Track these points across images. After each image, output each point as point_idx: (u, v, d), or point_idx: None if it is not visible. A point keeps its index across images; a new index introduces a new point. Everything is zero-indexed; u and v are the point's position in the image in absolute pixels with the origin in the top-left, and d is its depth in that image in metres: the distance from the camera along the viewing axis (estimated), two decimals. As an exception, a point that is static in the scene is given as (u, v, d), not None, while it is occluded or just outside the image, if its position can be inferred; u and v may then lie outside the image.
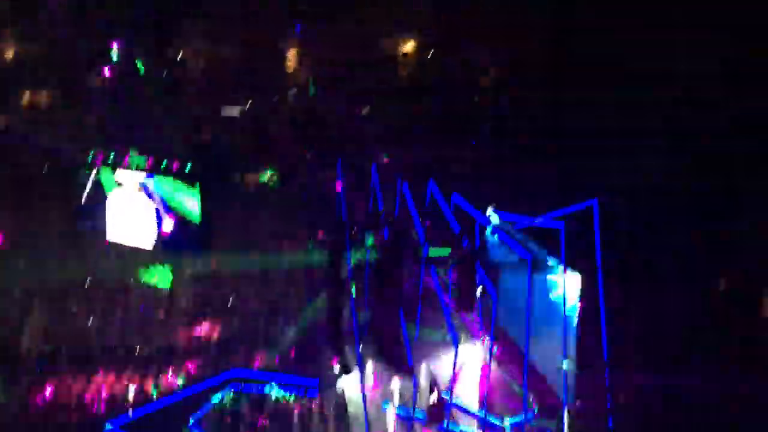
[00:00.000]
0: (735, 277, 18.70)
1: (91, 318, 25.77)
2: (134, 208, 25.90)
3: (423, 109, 35.02)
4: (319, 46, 39.69)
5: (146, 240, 26.01)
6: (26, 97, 38.38)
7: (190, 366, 23.53)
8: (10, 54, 39.77)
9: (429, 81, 37.49)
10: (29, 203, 32.05)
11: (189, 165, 25.53)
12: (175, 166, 25.44)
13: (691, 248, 18.42)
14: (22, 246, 29.81)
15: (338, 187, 21.44)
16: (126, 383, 22.63)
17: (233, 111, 37.29)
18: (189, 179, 24.76)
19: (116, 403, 21.70)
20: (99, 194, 27.00)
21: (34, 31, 37.87)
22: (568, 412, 17.92)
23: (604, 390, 17.70)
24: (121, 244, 27.34)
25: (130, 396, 22.02)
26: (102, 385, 22.46)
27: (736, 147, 18.62)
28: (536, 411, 19.43)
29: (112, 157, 25.75)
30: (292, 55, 40.86)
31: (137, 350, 24.24)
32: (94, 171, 25.36)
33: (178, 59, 39.99)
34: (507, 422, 19.25)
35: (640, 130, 20.60)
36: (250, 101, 38.24)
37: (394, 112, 35.97)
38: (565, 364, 17.71)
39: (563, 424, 17.87)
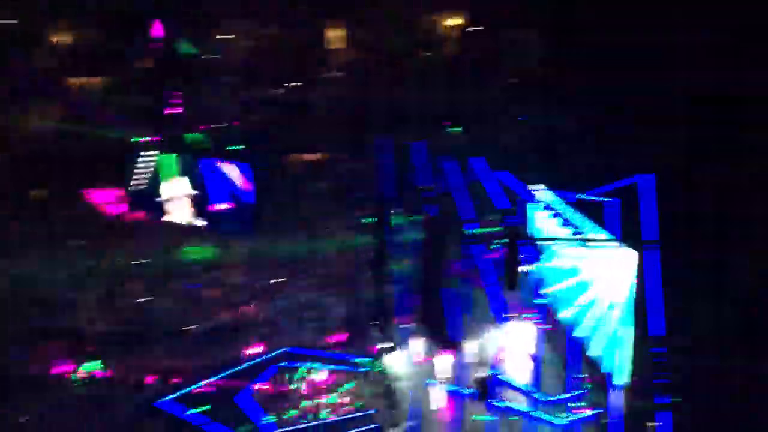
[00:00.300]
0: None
1: (146, 297, 26.42)
2: (188, 189, 26.14)
3: (469, 87, 34.84)
4: (362, 28, 39.76)
5: (199, 219, 26.32)
6: (78, 82, 39.28)
7: (243, 343, 23.97)
8: (65, 39, 40.67)
9: (472, 61, 37.25)
10: (82, 186, 32.92)
11: (241, 147, 25.77)
12: (227, 148, 25.69)
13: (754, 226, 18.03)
14: (75, 231, 30.70)
15: (384, 165, 21.46)
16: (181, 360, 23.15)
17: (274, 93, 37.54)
18: (241, 160, 24.98)
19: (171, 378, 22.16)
20: (155, 177, 27.25)
21: (83, 18, 38.73)
22: (616, 389, 17.81)
23: (653, 368, 17.52)
24: (175, 225, 27.85)
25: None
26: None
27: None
28: (585, 387, 19.35)
29: (163, 140, 25.96)
30: (336, 38, 40.92)
31: (191, 328, 24.76)
32: (148, 154, 25.68)
33: (226, 42, 40.40)
34: (555, 399, 19.23)
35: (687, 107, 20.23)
36: (294, 84, 38.51)
37: (439, 92, 35.86)
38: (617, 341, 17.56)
39: (609, 401, 17.77)
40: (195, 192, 25.37)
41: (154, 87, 37.24)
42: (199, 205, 25.72)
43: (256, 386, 21.49)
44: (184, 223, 26.51)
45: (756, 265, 17.19)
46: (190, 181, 25.53)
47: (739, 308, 16.70)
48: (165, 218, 27.12)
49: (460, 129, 32.03)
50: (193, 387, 21.61)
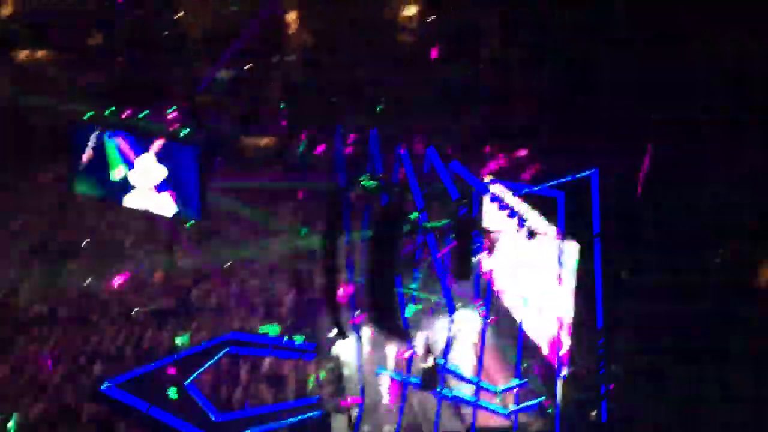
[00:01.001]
0: (734, 248, 18.70)
1: (89, 278, 25.94)
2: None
3: (425, 76, 34.95)
4: (321, 10, 39.53)
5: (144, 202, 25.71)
6: (27, 55, 38.26)
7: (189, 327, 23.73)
8: (8, 11, 39.51)
9: (431, 47, 37.38)
10: (30, 163, 32.23)
11: (187, 130, 25.24)
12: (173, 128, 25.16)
13: (688, 221, 18.42)
14: (22, 206, 30.01)
15: (337, 152, 21.30)
16: (124, 343, 22.79)
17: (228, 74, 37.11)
18: (187, 143, 24.44)
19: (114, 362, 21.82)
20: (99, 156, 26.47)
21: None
22: (561, 378, 18.08)
23: (597, 358, 17.83)
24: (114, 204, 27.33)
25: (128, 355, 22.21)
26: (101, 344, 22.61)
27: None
28: (529, 378, 19.63)
29: (111, 117, 25.25)
30: (292, 19, 40.56)
31: (135, 311, 24.38)
32: (95, 132, 24.94)
33: (179, 19, 39.71)
34: (500, 388, 19.47)
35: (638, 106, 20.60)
36: (249, 65, 38.11)
37: (396, 79, 35.89)
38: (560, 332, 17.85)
39: (556, 390, 18.04)
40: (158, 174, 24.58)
41: (109, 61, 36.53)
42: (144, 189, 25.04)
43: (201, 371, 21.22)
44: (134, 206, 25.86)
45: (702, 262, 17.59)
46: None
47: (681, 304, 17.06)
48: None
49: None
50: (139, 372, 21.24)
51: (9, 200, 30.35)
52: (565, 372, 18.06)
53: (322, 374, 21.17)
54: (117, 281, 23.56)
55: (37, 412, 19.18)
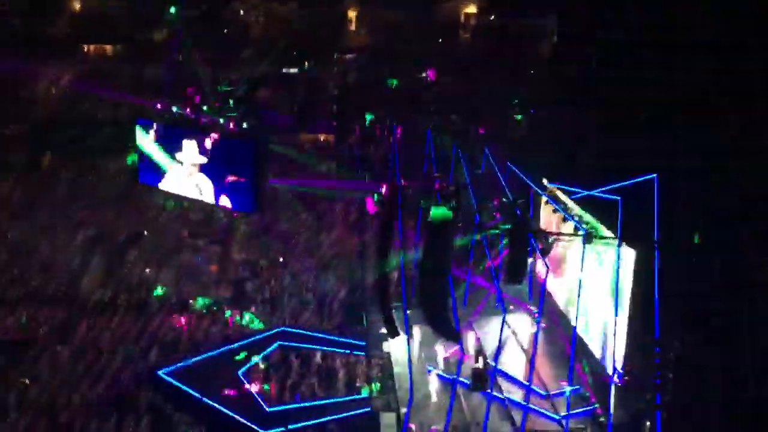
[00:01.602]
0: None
1: (148, 268, 26.62)
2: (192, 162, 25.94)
3: (482, 75, 34.73)
4: (379, 11, 39.67)
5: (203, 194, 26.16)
6: (93, 49, 39.45)
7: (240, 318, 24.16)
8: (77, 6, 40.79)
9: (489, 49, 37.13)
10: (94, 155, 33.19)
11: (245, 124, 25.64)
12: (232, 125, 25.55)
13: (748, 233, 17.92)
14: (85, 197, 30.93)
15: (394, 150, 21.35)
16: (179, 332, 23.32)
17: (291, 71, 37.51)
18: (245, 138, 24.83)
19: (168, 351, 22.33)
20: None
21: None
22: (615, 386, 17.75)
23: (653, 367, 17.45)
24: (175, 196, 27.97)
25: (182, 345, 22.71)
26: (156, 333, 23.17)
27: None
28: (581, 384, 19.33)
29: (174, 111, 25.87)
30: (351, 19, 40.81)
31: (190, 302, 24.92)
32: (158, 125, 25.58)
33: (236, 19, 40.39)
34: (551, 393, 19.22)
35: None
36: (307, 63, 38.51)
37: (454, 78, 35.81)
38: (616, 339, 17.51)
39: (609, 398, 17.72)
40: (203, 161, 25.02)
41: (166, 58, 37.33)
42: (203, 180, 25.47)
43: (253, 362, 21.54)
44: (190, 195, 26.37)
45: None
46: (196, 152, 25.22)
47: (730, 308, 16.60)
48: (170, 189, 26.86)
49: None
50: (192, 360, 21.68)
51: (73, 191, 31.29)
52: (618, 379, 17.73)
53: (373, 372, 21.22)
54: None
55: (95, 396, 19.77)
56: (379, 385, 20.61)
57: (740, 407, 16.46)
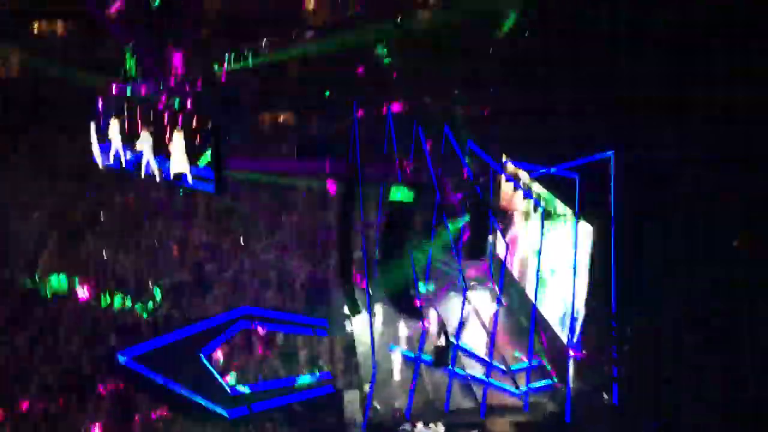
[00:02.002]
0: (751, 235, 18.50)
1: (105, 251, 26.17)
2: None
3: (441, 55, 34.64)
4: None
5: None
6: (45, 26, 38.32)
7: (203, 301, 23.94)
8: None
9: (447, 28, 37.02)
10: (48, 135, 32.35)
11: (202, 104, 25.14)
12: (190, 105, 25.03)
13: (705, 204, 18.23)
14: (40, 179, 30.20)
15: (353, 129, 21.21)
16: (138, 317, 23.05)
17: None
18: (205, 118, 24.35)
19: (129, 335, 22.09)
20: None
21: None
22: (573, 360, 18.12)
23: (610, 340, 17.83)
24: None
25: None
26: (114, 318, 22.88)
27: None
28: (541, 358, 19.68)
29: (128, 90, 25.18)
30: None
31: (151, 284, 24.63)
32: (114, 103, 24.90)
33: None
34: (511, 368, 19.54)
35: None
36: (266, 41, 37.96)
37: (413, 58, 35.63)
38: (574, 312, 17.84)
39: (567, 371, 18.08)
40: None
41: (124, 36, 36.46)
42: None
43: (215, 345, 21.44)
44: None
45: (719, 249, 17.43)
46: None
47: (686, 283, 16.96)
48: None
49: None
50: (154, 344, 21.50)
51: (27, 172, 30.55)
52: (577, 353, 18.10)
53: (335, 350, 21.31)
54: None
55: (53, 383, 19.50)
56: (341, 364, 20.72)
57: (695, 377, 16.87)
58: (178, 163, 22.90)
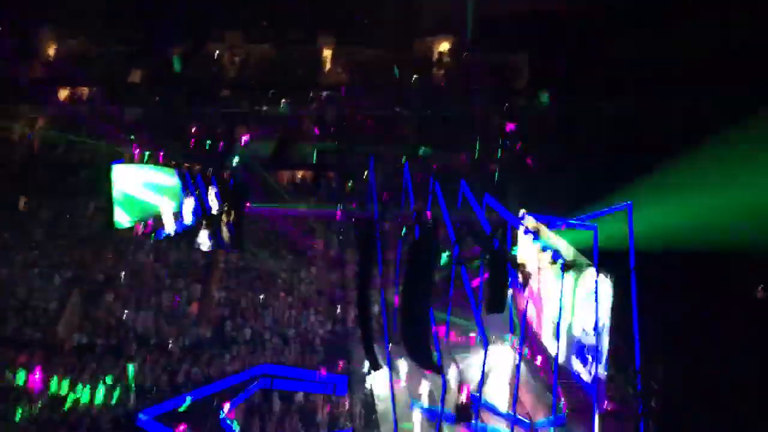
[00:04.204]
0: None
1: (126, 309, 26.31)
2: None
3: (455, 109, 35.28)
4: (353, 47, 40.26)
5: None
6: (68, 92, 39.42)
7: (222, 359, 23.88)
8: (51, 50, 40.88)
9: (461, 82, 37.77)
10: (70, 197, 32.98)
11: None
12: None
13: (725, 257, 18.14)
14: (62, 239, 30.64)
15: (370, 184, 21.43)
16: (159, 375, 22.98)
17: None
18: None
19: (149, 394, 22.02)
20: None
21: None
22: (599, 416, 17.76)
23: (635, 395, 17.50)
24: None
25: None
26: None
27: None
28: (566, 414, 19.31)
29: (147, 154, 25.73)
30: (326, 57, 41.34)
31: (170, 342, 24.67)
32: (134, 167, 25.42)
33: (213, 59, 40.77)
34: (536, 423, 19.18)
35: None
36: (283, 100, 38.85)
37: (427, 113, 36.31)
38: (599, 367, 17.57)
39: (593, 427, 17.70)
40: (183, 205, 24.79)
41: (144, 99, 37.45)
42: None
43: (235, 403, 21.31)
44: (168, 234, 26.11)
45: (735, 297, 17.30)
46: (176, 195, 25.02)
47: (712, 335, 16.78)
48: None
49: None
50: (173, 402, 21.41)
51: (50, 233, 31.04)
52: (602, 408, 17.75)
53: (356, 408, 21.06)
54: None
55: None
56: (362, 421, 20.45)
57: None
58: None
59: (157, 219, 24.71)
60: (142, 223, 25.25)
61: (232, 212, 22.87)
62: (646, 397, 17.35)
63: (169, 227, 24.65)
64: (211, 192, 22.91)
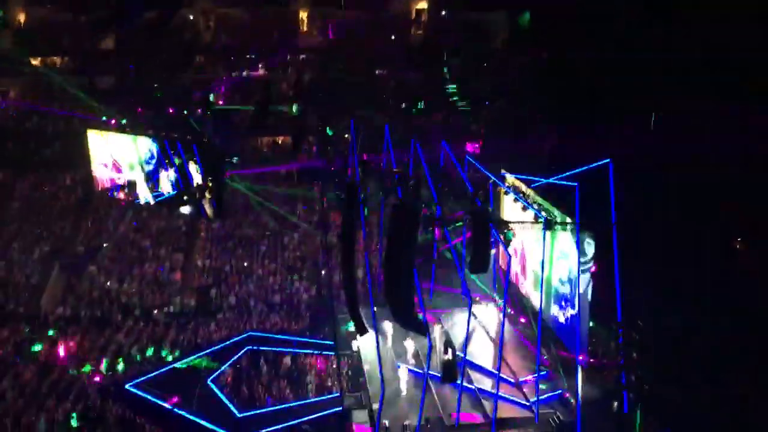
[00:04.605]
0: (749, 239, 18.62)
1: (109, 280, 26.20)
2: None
3: (437, 70, 35.01)
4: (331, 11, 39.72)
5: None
6: (39, 62, 38.60)
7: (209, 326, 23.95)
8: (21, 19, 39.89)
9: (441, 42, 37.44)
10: (47, 168, 32.53)
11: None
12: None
13: (707, 209, 18.32)
14: (41, 211, 30.29)
15: (352, 147, 21.29)
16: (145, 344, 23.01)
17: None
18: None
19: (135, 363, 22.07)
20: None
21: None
22: (582, 368, 18.05)
23: (617, 347, 17.78)
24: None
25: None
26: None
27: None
28: (550, 368, 19.63)
29: (124, 121, 25.30)
30: (303, 18, 40.74)
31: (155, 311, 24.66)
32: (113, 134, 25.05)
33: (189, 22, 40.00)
34: (520, 379, 19.48)
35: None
36: (261, 64, 38.35)
37: (409, 73, 36.01)
38: (580, 320, 17.83)
39: (576, 380, 18.01)
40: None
41: (120, 65, 36.74)
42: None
43: (221, 369, 21.41)
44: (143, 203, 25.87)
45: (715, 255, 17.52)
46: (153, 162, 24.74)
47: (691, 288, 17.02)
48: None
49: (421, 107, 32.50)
50: (160, 371, 21.47)
51: (28, 206, 30.65)
52: (584, 362, 18.05)
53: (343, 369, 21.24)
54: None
55: (62, 413, 19.43)
56: (349, 383, 20.64)
57: (706, 382, 16.87)
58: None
59: (132, 186, 24.48)
60: (119, 191, 24.98)
61: (212, 181, 22.66)
62: (627, 350, 17.59)
63: (144, 195, 24.48)
64: (192, 164, 22.67)
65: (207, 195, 22.66)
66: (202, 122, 27.57)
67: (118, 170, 24.98)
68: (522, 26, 34.29)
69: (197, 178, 22.74)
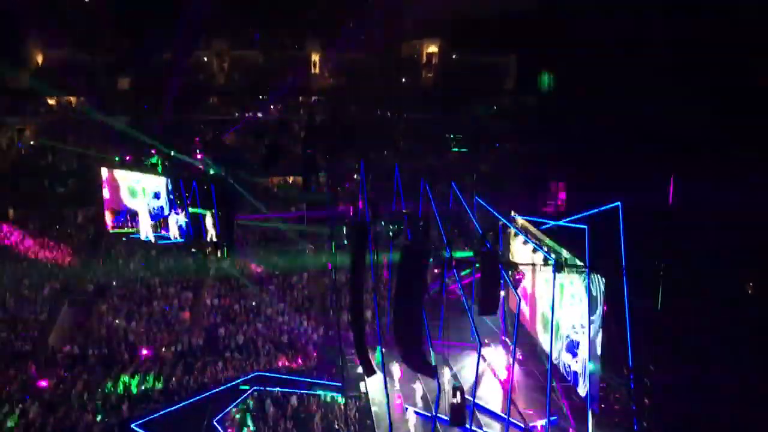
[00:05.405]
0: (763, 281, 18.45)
1: (117, 320, 26.14)
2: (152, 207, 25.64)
3: (446, 111, 35.32)
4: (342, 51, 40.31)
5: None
6: (56, 101, 39.28)
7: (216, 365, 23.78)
8: (38, 59, 40.73)
9: (452, 84, 37.87)
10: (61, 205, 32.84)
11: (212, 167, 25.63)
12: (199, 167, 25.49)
13: (719, 253, 18.18)
14: (53, 247, 30.44)
15: (361, 187, 21.39)
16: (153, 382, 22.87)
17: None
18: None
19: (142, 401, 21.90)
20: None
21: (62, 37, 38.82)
22: (593, 414, 17.77)
23: (629, 393, 17.52)
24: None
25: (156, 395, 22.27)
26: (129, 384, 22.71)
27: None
28: (559, 414, 19.32)
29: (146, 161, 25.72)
30: (315, 60, 41.39)
31: (162, 349, 24.51)
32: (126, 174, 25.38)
33: (203, 64, 40.75)
34: (530, 424, 19.17)
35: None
36: (272, 106, 38.84)
37: (418, 116, 36.36)
38: (591, 366, 17.59)
39: (587, 426, 17.71)
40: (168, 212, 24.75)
41: (135, 107, 37.36)
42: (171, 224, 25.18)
43: (227, 410, 21.21)
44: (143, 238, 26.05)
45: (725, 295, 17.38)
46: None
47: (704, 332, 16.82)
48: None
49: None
50: (166, 410, 21.31)
51: (40, 242, 30.84)
52: (596, 408, 17.77)
53: (350, 411, 20.99)
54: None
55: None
56: (357, 425, 20.37)
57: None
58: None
59: (133, 216, 24.79)
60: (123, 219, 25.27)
61: (223, 222, 22.85)
62: (639, 396, 17.34)
63: (146, 231, 24.68)
64: (209, 218, 22.93)
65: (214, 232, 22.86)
66: (217, 163, 27.90)
67: (124, 202, 25.29)
68: (542, 87, 34.77)
69: (210, 229, 22.96)
